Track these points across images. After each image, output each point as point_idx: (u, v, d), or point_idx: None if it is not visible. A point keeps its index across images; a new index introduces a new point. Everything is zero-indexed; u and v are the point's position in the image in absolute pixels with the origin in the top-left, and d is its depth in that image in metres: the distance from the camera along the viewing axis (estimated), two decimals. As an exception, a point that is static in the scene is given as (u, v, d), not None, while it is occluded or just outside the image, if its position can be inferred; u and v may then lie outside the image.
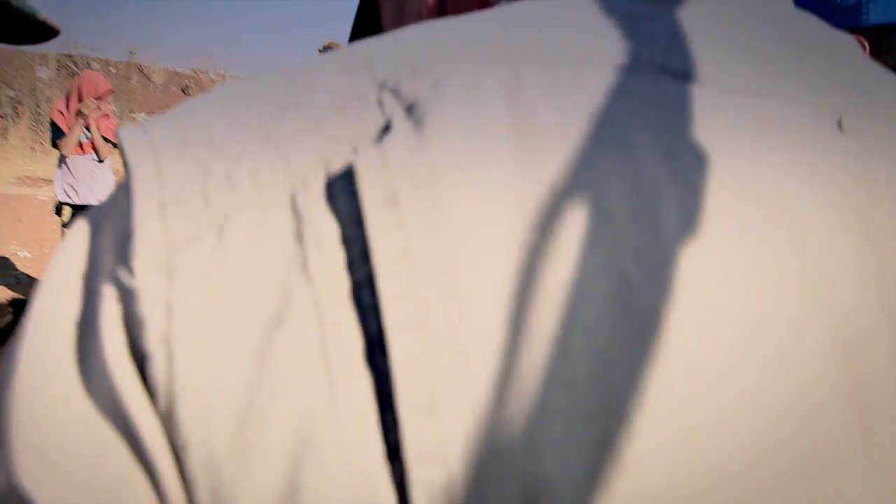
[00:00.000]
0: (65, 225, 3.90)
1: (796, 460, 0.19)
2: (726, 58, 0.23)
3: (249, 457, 0.17)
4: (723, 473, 0.18)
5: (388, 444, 0.17)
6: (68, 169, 3.90)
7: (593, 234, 0.19)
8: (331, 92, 0.21)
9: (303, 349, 0.18)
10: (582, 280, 0.18)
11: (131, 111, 11.12)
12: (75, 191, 3.90)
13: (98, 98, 3.89)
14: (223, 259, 0.18)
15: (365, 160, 0.19)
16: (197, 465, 0.17)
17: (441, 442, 0.17)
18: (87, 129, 3.89)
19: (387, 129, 0.20)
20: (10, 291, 4.26)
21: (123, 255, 0.19)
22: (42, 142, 9.79)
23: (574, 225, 0.19)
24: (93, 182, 3.95)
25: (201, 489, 0.17)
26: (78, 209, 3.91)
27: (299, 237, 0.19)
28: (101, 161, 3.97)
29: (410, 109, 0.20)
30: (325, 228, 0.19)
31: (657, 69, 0.22)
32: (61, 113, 3.87)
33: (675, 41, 0.23)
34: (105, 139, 3.97)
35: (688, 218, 0.20)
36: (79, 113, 3.82)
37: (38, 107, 10.45)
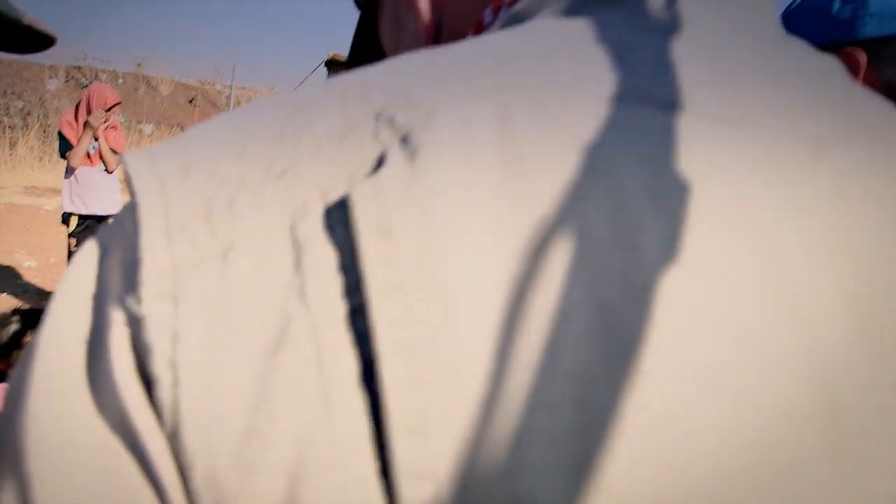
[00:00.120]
0: (71, 234, 3.93)
1: (771, 479, 0.20)
2: (710, 86, 0.24)
3: (250, 474, 0.18)
4: (699, 494, 0.19)
5: (380, 461, 0.18)
6: (76, 179, 3.93)
7: (577, 260, 0.20)
8: (329, 122, 0.22)
9: (301, 373, 0.19)
10: (565, 305, 0.19)
11: (139, 122, 11.19)
12: (83, 201, 3.93)
13: (107, 110, 3.93)
14: (226, 286, 0.19)
15: (360, 192, 0.20)
16: (200, 482, 0.18)
17: (429, 460, 0.18)
18: (96, 140, 3.93)
19: (382, 159, 0.21)
20: (16, 300, 4.28)
21: (131, 281, 0.20)
22: (50, 152, 9.86)
23: (559, 252, 0.20)
24: (100, 192, 3.98)
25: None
26: (85, 219, 3.94)
27: (298, 265, 0.20)
28: (109, 172, 4.00)
29: (405, 140, 0.21)
30: (323, 257, 0.20)
31: (643, 99, 0.23)
32: (70, 124, 3.90)
33: (661, 71, 0.24)
34: (113, 150, 4.01)
35: (668, 245, 0.20)
36: (87, 124, 3.85)
37: (47, 117, 10.53)
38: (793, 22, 0.83)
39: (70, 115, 3.96)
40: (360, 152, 0.21)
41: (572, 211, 0.20)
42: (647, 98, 0.23)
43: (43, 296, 4.60)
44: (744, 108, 0.24)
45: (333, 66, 2.98)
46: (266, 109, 0.24)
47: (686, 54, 0.25)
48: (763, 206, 0.22)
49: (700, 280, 0.20)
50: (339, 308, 0.19)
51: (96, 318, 0.20)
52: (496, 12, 0.31)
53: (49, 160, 9.90)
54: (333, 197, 0.20)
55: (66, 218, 3.96)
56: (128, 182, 0.22)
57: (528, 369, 0.19)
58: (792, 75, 0.26)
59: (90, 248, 0.22)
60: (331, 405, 0.18)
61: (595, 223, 0.20)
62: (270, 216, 0.20)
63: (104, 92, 4.01)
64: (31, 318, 1.81)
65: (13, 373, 0.21)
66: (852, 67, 0.74)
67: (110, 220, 0.23)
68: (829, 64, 0.28)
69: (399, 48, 0.38)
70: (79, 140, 3.87)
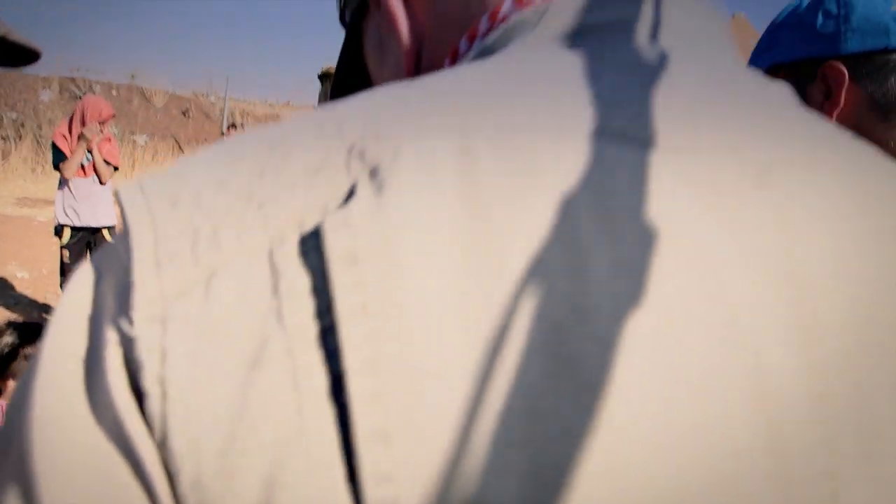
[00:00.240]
0: (64, 246, 3.93)
1: None
2: (662, 117, 0.26)
3: (231, 479, 0.20)
4: None
5: (349, 467, 0.20)
6: (70, 191, 3.93)
7: (529, 282, 0.22)
8: (306, 156, 0.24)
9: (278, 387, 0.21)
10: (517, 324, 0.21)
11: (132, 133, 11.19)
12: (76, 213, 3.93)
13: (101, 122, 3.95)
14: (210, 309, 0.21)
15: (331, 222, 0.22)
16: (187, 486, 0.20)
17: (392, 465, 0.20)
18: (90, 152, 3.94)
19: (353, 191, 0.23)
20: (8, 312, 4.28)
21: (124, 304, 0.22)
22: (43, 163, 9.85)
23: (512, 274, 0.22)
24: (93, 204, 3.98)
25: None
26: (78, 231, 3.95)
27: (276, 289, 0.22)
28: (102, 184, 4.01)
29: (373, 174, 0.23)
30: (298, 282, 0.22)
31: (597, 130, 0.25)
32: (64, 136, 3.91)
33: (615, 102, 0.26)
34: (107, 162, 4.02)
35: (615, 268, 0.22)
36: (81, 136, 3.86)
37: (40, 129, 10.52)
38: (776, 37, 0.82)
39: (64, 128, 3.96)
40: (333, 184, 0.23)
41: (525, 236, 0.22)
42: (601, 129, 0.25)
43: (35, 307, 4.60)
44: (691, 137, 0.25)
45: (326, 79, 3.01)
46: (250, 145, 0.25)
47: (640, 87, 0.27)
48: (706, 229, 0.23)
49: (646, 302, 0.22)
50: (312, 328, 0.21)
51: (92, 337, 0.22)
52: (471, 41, 0.33)
53: (42, 171, 9.89)
54: (308, 226, 0.22)
55: (59, 229, 3.96)
56: (121, 213, 0.24)
57: (480, 382, 0.21)
58: (742, 107, 0.28)
59: (86, 272, 0.24)
60: (304, 417, 0.20)
61: (547, 246, 0.22)
62: (251, 244, 0.22)
63: (98, 105, 4.02)
64: (28, 331, 1.83)
65: (16, 385, 0.23)
66: (835, 82, 0.74)
67: (105, 246, 0.25)
68: (781, 93, 0.30)
69: (383, 68, 0.40)
70: (73, 152, 3.88)
